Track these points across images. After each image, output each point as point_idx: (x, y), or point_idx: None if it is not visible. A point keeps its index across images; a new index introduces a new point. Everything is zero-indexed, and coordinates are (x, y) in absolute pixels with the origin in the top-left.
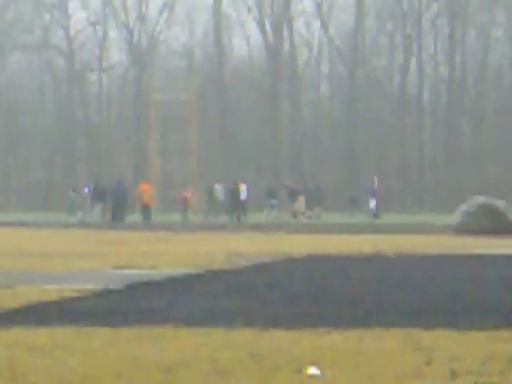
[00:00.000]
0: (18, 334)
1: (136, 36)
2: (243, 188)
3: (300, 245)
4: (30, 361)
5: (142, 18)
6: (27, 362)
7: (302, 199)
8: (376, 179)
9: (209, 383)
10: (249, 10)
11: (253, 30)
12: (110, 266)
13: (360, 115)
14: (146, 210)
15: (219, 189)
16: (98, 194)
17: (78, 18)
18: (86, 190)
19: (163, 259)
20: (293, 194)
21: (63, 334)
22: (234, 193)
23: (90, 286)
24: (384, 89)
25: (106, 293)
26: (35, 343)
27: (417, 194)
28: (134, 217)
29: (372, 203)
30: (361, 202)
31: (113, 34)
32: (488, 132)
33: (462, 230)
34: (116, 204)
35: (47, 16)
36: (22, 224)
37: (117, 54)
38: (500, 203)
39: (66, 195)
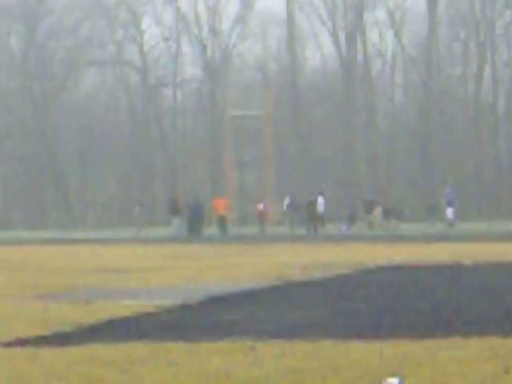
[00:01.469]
0: (97, 349)
1: (209, 50)
2: (320, 200)
3: (377, 255)
4: (108, 376)
5: (215, 31)
6: (105, 378)
7: (378, 210)
8: (450, 188)
9: None
10: (322, 21)
11: (326, 41)
12: (187, 280)
13: (435, 124)
14: (222, 223)
15: (287, 201)
16: (175, 209)
17: (152, 33)
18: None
19: (241, 272)
20: (369, 206)
21: (140, 349)
22: (311, 204)
23: (168, 301)
24: (458, 97)
25: (183, 307)
26: (113, 359)
27: (494, 201)
28: (211, 230)
29: (449, 212)
30: (440, 211)
31: (186, 48)
32: None
33: None
34: (192, 218)
35: (121, 32)
36: (100, 241)
37: (191, 69)
38: None
39: (141, 211)
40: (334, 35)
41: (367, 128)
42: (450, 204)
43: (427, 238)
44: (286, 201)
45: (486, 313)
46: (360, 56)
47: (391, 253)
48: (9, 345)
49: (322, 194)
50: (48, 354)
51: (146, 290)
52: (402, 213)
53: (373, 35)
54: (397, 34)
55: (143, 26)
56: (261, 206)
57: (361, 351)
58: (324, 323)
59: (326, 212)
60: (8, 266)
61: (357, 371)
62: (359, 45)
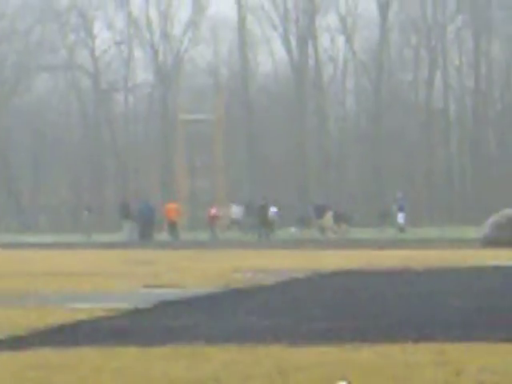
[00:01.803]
0: (47, 354)
1: (161, 55)
2: (273, 209)
3: (327, 261)
4: (58, 381)
5: (166, 36)
6: (56, 382)
7: (329, 215)
8: (401, 193)
9: None
10: (273, 27)
11: (278, 46)
12: (138, 285)
13: (386, 129)
14: (172, 228)
15: (235, 208)
16: (126, 214)
17: (103, 37)
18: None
19: (191, 277)
20: (320, 211)
21: (91, 354)
22: (262, 209)
23: (119, 306)
24: (410, 102)
25: (135, 312)
26: (64, 363)
27: (445, 207)
28: (162, 235)
29: (400, 217)
30: (391, 217)
31: (138, 53)
32: None
33: (490, 242)
34: (144, 223)
35: (72, 36)
36: (51, 245)
37: (142, 74)
38: None
39: (89, 216)
40: (286, 40)
41: (318, 133)
42: (400, 209)
43: (378, 243)
44: (235, 207)
45: (436, 318)
46: (311, 61)
47: (342, 258)
48: None
49: (274, 204)
50: None
51: (97, 294)
52: (352, 218)
53: (324, 40)
54: (348, 40)
55: (95, 31)
56: (213, 211)
57: (311, 356)
58: (274, 328)
59: (278, 220)
60: None
61: (306, 376)
62: (311, 50)
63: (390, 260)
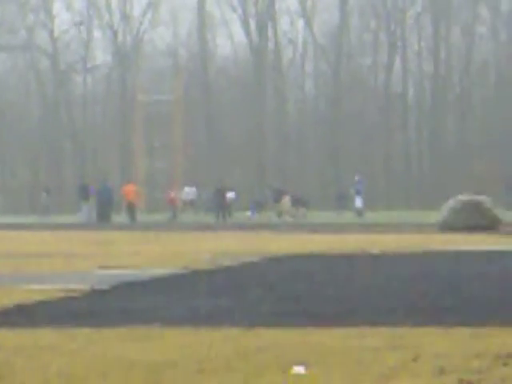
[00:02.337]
0: (2, 335)
1: (120, 36)
2: (231, 194)
3: (285, 244)
4: (14, 362)
5: (126, 18)
6: (11, 364)
7: (287, 199)
8: (358, 177)
9: (194, 383)
10: (233, 9)
11: (237, 29)
12: (95, 266)
13: (344, 113)
14: (130, 209)
15: (188, 191)
16: (85, 195)
17: (63, 18)
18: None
19: (149, 259)
20: (278, 194)
21: (48, 335)
22: (219, 192)
23: (76, 287)
24: (368, 86)
25: (91, 293)
26: (19, 344)
27: (402, 191)
28: (120, 217)
29: (358, 201)
30: (348, 201)
31: (97, 34)
32: (473, 128)
33: (447, 226)
34: (102, 204)
35: (31, 17)
36: (8, 226)
37: (101, 55)
38: (485, 199)
39: (47, 197)
40: (245, 23)
41: (277, 115)
42: (358, 193)
43: (335, 227)
44: (188, 188)
45: (394, 302)
46: (271, 44)
47: (299, 241)
48: None
49: (233, 189)
50: None
51: (55, 275)
52: (308, 202)
53: (284, 23)
54: (308, 23)
55: (54, 11)
56: (172, 193)
57: (268, 339)
58: (232, 311)
59: (234, 203)
60: None
61: (264, 359)
62: (270, 33)
63: (347, 244)
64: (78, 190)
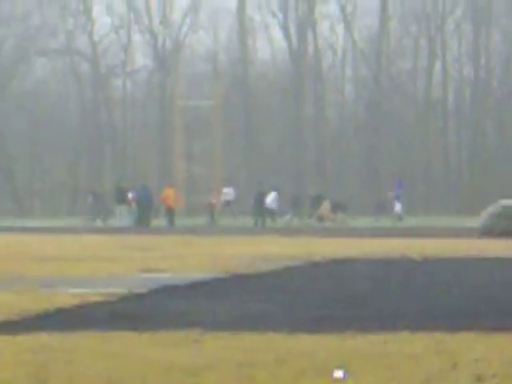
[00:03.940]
0: (44, 338)
1: (160, 40)
2: (274, 195)
3: (325, 249)
4: (54, 365)
5: (165, 22)
6: (52, 367)
7: (326, 203)
8: (398, 182)
9: None
10: (273, 13)
11: (277, 33)
12: (135, 270)
13: (384, 118)
14: (169, 213)
15: (228, 192)
16: (121, 198)
17: (103, 22)
18: (130, 195)
19: (189, 263)
20: (317, 200)
21: (87, 339)
22: (259, 196)
23: (115, 290)
24: (408, 91)
25: (131, 297)
26: (59, 348)
27: (442, 196)
28: (160, 221)
29: (397, 207)
30: (388, 206)
31: (137, 38)
32: None
33: (487, 232)
34: (141, 208)
35: (71, 21)
36: (48, 229)
37: (141, 59)
38: None
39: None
40: (285, 27)
41: (316, 121)
42: (398, 198)
43: (375, 232)
44: (226, 189)
45: (434, 307)
46: (311, 49)
47: (340, 246)
48: None
49: (276, 189)
50: None
51: (95, 279)
52: (347, 207)
53: (324, 28)
54: (348, 28)
55: (94, 15)
56: (213, 199)
57: (309, 344)
58: (272, 316)
59: (278, 207)
60: None
61: (304, 364)
62: (310, 37)
63: (386, 248)
64: (114, 193)
